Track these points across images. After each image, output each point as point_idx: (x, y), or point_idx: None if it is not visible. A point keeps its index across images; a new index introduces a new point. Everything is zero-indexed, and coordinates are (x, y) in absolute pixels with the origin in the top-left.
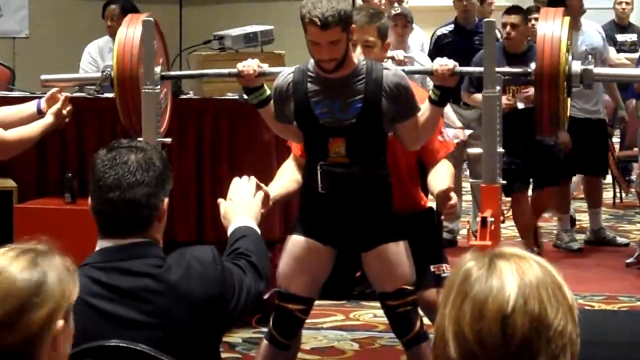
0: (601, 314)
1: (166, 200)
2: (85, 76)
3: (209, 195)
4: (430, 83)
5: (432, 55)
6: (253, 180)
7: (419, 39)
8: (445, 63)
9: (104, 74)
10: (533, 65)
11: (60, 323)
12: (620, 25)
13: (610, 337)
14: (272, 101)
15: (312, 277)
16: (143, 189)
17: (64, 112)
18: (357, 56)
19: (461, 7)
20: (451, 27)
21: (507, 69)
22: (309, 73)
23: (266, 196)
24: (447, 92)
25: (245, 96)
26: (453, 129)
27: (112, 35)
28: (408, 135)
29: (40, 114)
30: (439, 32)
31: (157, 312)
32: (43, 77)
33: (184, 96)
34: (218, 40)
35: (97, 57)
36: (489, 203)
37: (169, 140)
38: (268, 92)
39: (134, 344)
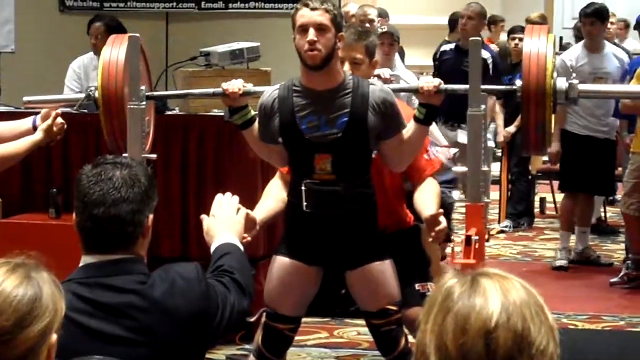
0: (585, 334)
1: (151, 216)
2: (69, 97)
3: (193, 211)
4: (416, 102)
5: (436, 69)
6: (236, 198)
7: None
8: (430, 81)
9: (88, 94)
10: (519, 83)
11: (55, 337)
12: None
13: (593, 357)
14: (256, 122)
15: (299, 298)
16: (128, 205)
17: (55, 129)
18: (345, 71)
19: (460, 25)
20: (454, 45)
21: (492, 86)
22: (295, 88)
23: (252, 222)
24: (433, 111)
25: (229, 117)
26: (439, 147)
27: (97, 52)
28: (392, 154)
29: (36, 130)
30: (442, 48)
31: (141, 328)
32: (26, 99)
33: (169, 112)
34: (204, 57)
35: (81, 74)
36: (473, 221)
37: (154, 156)
38: (253, 113)
39: None
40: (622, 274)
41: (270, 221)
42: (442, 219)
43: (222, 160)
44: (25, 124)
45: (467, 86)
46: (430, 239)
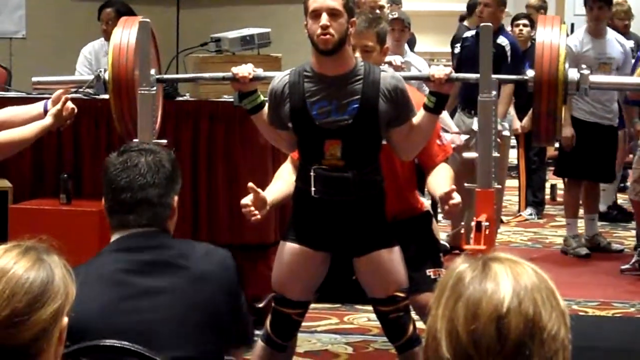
0: (595, 320)
1: (176, 198)
2: (78, 79)
3: (204, 196)
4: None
5: (457, 56)
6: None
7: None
8: (441, 69)
9: (97, 74)
10: (530, 73)
11: (66, 320)
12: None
13: (603, 343)
14: (265, 107)
15: (307, 283)
16: (154, 189)
17: (65, 113)
18: (356, 57)
19: (477, 12)
20: (474, 32)
21: (504, 76)
22: (306, 73)
23: (263, 201)
24: (443, 100)
25: (239, 101)
26: (449, 133)
27: (107, 38)
28: (402, 141)
29: (46, 113)
30: (465, 34)
31: (185, 276)
32: (35, 79)
33: (180, 98)
34: (215, 42)
35: (91, 60)
36: (483, 207)
37: (164, 141)
38: (262, 97)
39: (130, 345)
40: (633, 260)
41: (280, 202)
42: (456, 195)
43: (232, 146)
44: (37, 108)
45: (477, 75)
46: (443, 214)
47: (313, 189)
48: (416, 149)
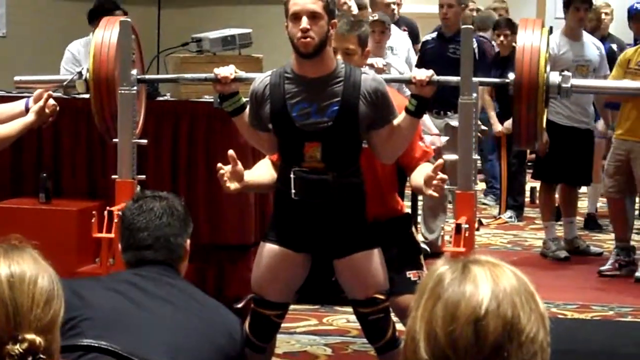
0: (574, 323)
1: (188, 241)
2: (59, 78)
3: (184, 197)
4: (407, 90)
5: (419, 60)
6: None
7: (405, 44)
8: (422, 71)
9: (79, 72)
10: (511, 76)
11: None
12: (600, 35)
13: (582, 346)
14: (246, 110)
15: (286, 285)
16: (170, 229)
17: (47, 110)
18: (337, 59)
19: (441, 14)
20: (435, 34)
21: (484, 79)
22: (287, 74)
23: (239, 174)
24: (424, 103)
25: (219, 103)
26: (430, 135)
27: None
28: (382, 144)
29: (27, 111)
30: (424, 38)
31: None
32: (17, 78)
33: (160, 98)
34: (196, 42)
35: (80, 58)
36: (463, 209)
37: (144, 141)
38: (243, 100)
39: (107, 345)
40: (611, 260)
41: (255, 186)
42: (441, 173)
43: (212, 146)
44: (18, 106)
45: (459, 78)
46: (431, 190)
47: (293, 191)
48: (397, 152)
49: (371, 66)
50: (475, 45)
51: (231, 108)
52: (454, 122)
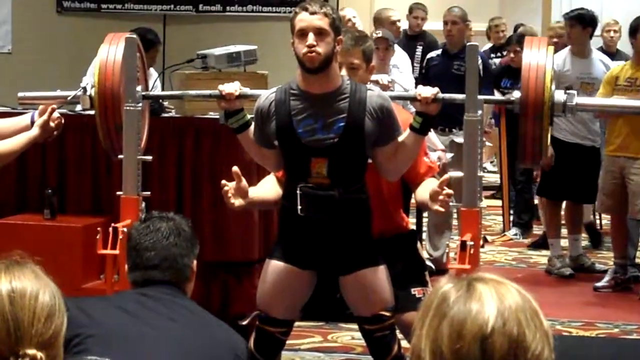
0: (579, 340)
1: (195, 262)
2: (63, 94)
3: (189, 213)
4: (411, 105)
5: (423, 77)
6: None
7: (407, 63)
8: (428, 89)
9: (84, 88)
10: (516, 94)
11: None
12: (609, 52)
13: None
14: (251, 127)
15: (291, 302)
16: (177, 249)
17: (52, 124)
18: (342, 75)
19: (445, 31)
20: (440, 51)
21: (490, 97)
22: (292, 91)
23: (244, 190)
24: (429, 120)
25: (225, 120)
26: (435, 151)
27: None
28: (387, 161)
29: (32, 124)
30: (429, 55)
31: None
32: (20, 94)
33: (165, 115)
34: (201, 59)
35: None
36: (468, 226)
37: (149, 158)
38: (248, 116)
39: None
40: (608, 277)
41: (260, 202)
42: (447, 189)
43: (217, 163)
44: (24, 120)
45: (464, 95)
46: (437, 206)
47: (299, 207)
48: (401, 170)
49: (376, 83)
50: (480, 62)
51: (236, 125)
52: (459, 139)
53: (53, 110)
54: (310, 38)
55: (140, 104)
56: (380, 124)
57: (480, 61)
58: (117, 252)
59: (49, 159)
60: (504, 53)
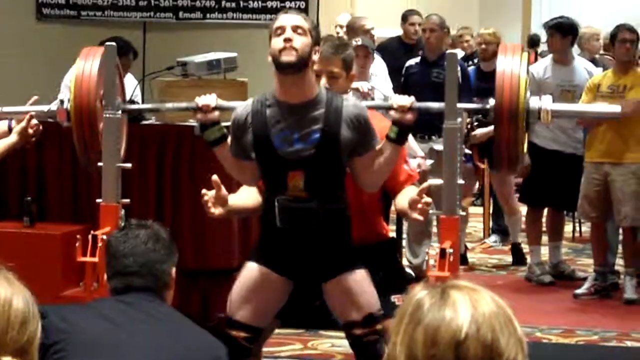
0: (558, 348)
1: (174, 269)
2: (39, 108)
3: (169, 221)
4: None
5: (403, 85)
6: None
7: (383, 70)
8: (404, 98)
9: (61, 100)
10: (492, 101)
11: (39, 336)
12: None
13: None
14: (227, 140)
15: (261, 307)
16: (155, 255)
17: (30, 131)
18: (319, 86)
19: (424, 38)
20: (419, 58)
21: (467, 104)
22: (268, 102)
23: (223, 199)
24: (406, 130)
25: (200, 132)
26: (415, 158)
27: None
28: (364, 171)
29: (10, 131)
30: (408, 63)
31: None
32: None
33: (145, 122)
34: (181, 66)
35: None
36: (448, 234)
37: (129, 165)
38: (224, 130)
39: None
40: (587, 284)
41: (240, 210)
42: (426, 197)
43: (197, 170)
44: (1, 126)
45: (441, 104)
46: (416, 214)
47: (278, 218)
48: (379, 180)
49: (356, 90)
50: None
51: (212, 137)
52: (439, 146)
53: (31, 117)
54: (288, 32)
55: (119, 112)
56: (357, 133)
57: (459, 69)
58: (96, 259)
59: (28, 166)
60: (476, 61)
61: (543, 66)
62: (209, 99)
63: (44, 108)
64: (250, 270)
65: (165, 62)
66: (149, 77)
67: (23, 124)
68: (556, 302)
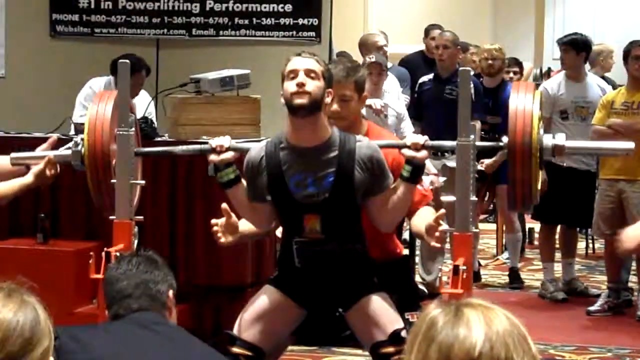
0: None
1: (171, 292)
2: (57, 153)
3: (182, 238)
4: (404, 129)
5: (416, 102)
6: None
7: (396, 87)
8: (417, 137)
9: (75, 142)
10: (505, 139)
11: (52, 359)
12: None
13: None
14: (240, 183)
15: (268, 328)
16: (148, 276)
17: (48, 173)
18: (331, 128)
19: (437, 55)
20: (432, 75)
21: (480, 142)
22: (282, 145)
23: (234, 226)
24: (419, 168)
25: (214, 173)
26: (428, 175)
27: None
28: (379, 211)
29: (28, 169)
30: (421, 80)
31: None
32: (13, 155)
33: (158, 139)
34: (194, 83)
35: None
36: (461, 251)
37: (142, 182)
38: (237, 172)
39: None
40: (601, 302)
41: (251, 235)
42: (442, 222)
43: (210, 187)
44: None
45: (453, 143)
46: (433, 242)
47: (296, 259)
48: (395, 220)
49: (369, 107)
50: (471, 85)
51: (225, 179)
52: (451, 163)
53: (49, 160)
54: (301, 76)
55: (132, 129)
56: (370, 175)
57: (472, 85)
58: None
59: None
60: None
61: (557, 82)
62: (223, 140)
63: (59, 153)
64: (266, 291)
65: (179, 79)
66: (162, 94)
67: (41, 166)
68: (569, 319)
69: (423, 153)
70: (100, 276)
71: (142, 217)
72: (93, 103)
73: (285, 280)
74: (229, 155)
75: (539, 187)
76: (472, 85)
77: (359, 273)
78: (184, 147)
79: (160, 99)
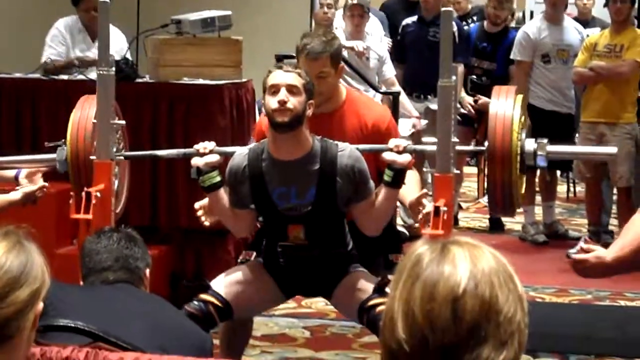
0: (552, 307)
1: (148, 270)
2: (41, 157)
3: (163, 180)
4: (386, 72)
5: (399, 43)
6: None
7: (378, 30)
8: (399, 140)
9: (57, 146)
10: (486, 143)
11: (41, 305)
12: (583, 20)
13: (560, 330)
14: (222, 188)
15: (246, 297)
16: (128, 251)
17: (36, 194)
18: (312, 138)
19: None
20: (415, 17)
21: (463, 147)
22: (263, 157)
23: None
24: (400, 172)
25: (196, 176)
26: (409, 118)
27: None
28: (363, 216)
29: (16, 181)
30: (404, 22)
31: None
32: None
33: (139, 80)
34: (175, 24)
35: (66, 36)
36: (442, 192)
37: (122, 122)
38: (220, 177)
39: (84, 325)
40: (580, 244)
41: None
42: (425, 202)
43: (192, 129)
44: (8, 173)
45: (434, 148)
46: (417, 223)
47: (281, 260)
48: (380, 224)
49: (351, 49)
50: (455, 28)
51: (208, 183)
52: (434, 105)
53: (43, 187)
54: (282, 94)
55: (113, 69)
56: (352, 184)
57: (455, 27)
58: (90, 216)
59: (23, 125)
60: (469, 21)
61: (536, 26)
62: (208, 144)
63: (43, 157)
64: (256, 266)
65: (160, 20)
66: (143, 35)
67: (34, 188)
68: (550, 261)
69: (404, 157)
70: (80, 216)
71: (122, 157)
72: (75, 109)
73: (270, 268)
74: (214, 158)
75: (522, 191)
76: (455, 28)
77: (342, 270)
78: (168, 152)
79: (141, 40)
